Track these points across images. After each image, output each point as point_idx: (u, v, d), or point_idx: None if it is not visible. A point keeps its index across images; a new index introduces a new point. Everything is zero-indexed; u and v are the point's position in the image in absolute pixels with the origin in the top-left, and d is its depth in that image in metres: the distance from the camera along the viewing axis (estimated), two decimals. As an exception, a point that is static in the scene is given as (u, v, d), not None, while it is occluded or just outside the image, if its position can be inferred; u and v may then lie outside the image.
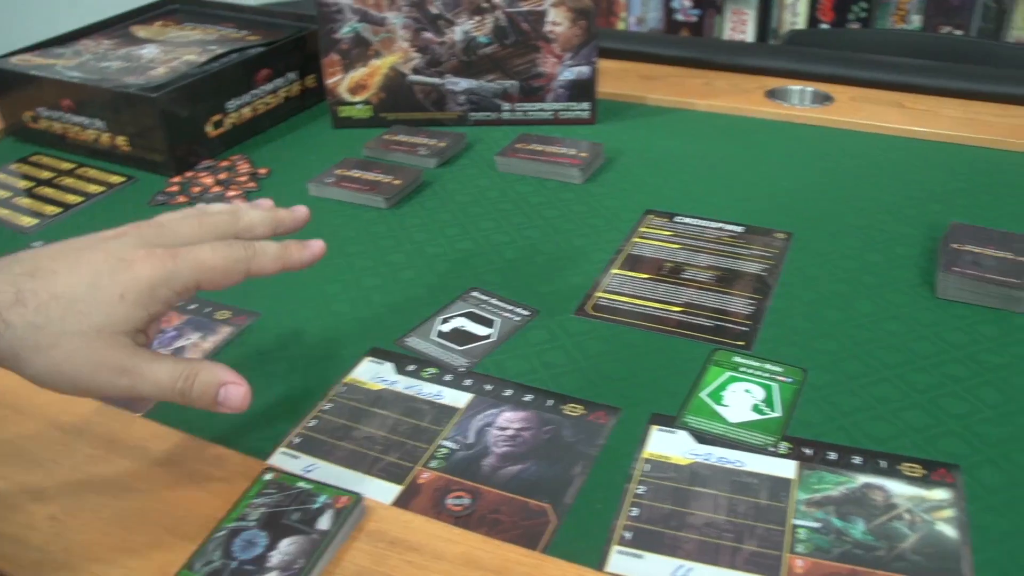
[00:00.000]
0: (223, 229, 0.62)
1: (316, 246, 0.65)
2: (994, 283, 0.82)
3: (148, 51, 1.25)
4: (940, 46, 1.89)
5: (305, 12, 1.36)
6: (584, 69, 1.20)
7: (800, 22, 2.76)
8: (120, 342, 0.56)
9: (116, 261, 0.56)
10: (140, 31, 1.36)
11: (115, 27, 1.38)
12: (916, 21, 2.66)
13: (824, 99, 1.31)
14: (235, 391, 0.59)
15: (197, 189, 1.09)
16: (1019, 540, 0.59)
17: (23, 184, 1.13)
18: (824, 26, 2.71)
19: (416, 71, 1.21)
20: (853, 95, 1.31)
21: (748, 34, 2.85)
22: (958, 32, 2.59)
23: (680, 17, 2.92)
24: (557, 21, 1.16)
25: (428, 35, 1.18)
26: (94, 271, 0.56)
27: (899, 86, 1.36)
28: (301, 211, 0.67)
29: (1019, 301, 0.81)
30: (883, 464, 0.65)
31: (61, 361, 0.54)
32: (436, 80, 1.21)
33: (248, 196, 1.07)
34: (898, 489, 0.63)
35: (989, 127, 1.20)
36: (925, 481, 0.63)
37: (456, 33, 1.17)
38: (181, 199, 1.07)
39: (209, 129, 1.16)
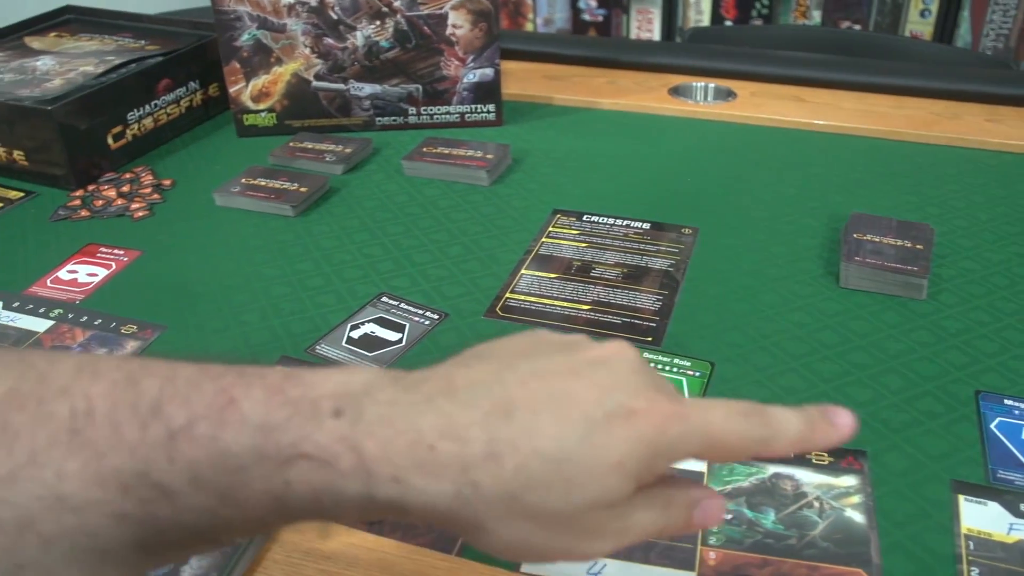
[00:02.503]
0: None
1: (845, 425, 0.43)
2: (894, 271, 0.84)
3: (43, 63, 1.22)
4: (839, 40, 1.94)
5: (203, 20, 1.34)
6: (488, 71, 1.20)
7: (704, 19, 2.80)
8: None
9: (614, 406, 0.39)
10: (34, 42, 1.32)
11: (7, 39, 1.34)
12: (816, 17, 2.72)
13: (727, 95, 1.33)
14: (713, 505, 0.44)
15: (99, 202, 1.06)
16: (922, 522, 0.60)
17: (-86, 203, 1.09)
18: (728, 23, 2.75)
19: (319, 77, 1.19)
20: (754, 90, 1.34)
21: (654, 32, 2.88)
22: (856, 26, 2.66)
23: (587, 17, 2.95)
24: (458, 24, 1.16)
25: (329, 41, 1.17)
26: (586, 418, 0.38)
27: (799, 80, 1.39)
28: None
29: (919, 288, 0.84)
30: (792, 454, 0.66)
31: (531, 536, 0.38)
32: (340, 86, 1.20)
33: (152, 208, 1.05)
34: (807, 478, 0.64)
35: (886, 118, 1.23)
36: (833, 469, 0.64)
37: (357, 38, 1.17)
38: (83, 213, 1.04)
39: (110, 141, 1.14)
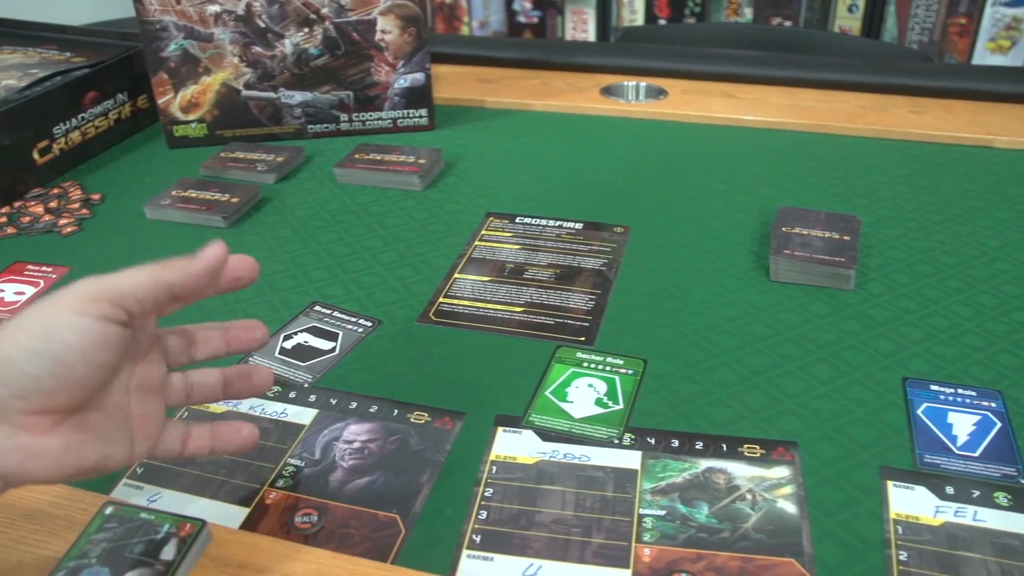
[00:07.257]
0: None
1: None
2: (822, 263, 0.85)
3: (-36, 78, 1.20)
4: (770, 37, 1.96)
5: (130, 31, 1.32)
6: (418, 76, 1.20)
7: (639, 19, 2.82)
8: None
9: None
10: (-46, 57, 1.29)
11: (-73, 54, 1.31)
12: (748, 14, 2.75)
13: (658, 93, 1.34)
14: None
15: (27, 219, 1.04)
16: (853, 509, 0.61)
17: None
18: (661, 22, 2.77)
19: (249, 86, 1.18)
20: (685, 88, 1.35)
21: (589, 33, 2.90)
22: (787, 23, 2.69)
23: (522, 19, 2.95)
24: (387, 29, 1.16)
25: (257, 49, 1.16)
26: None
27: (729, 77, 1.40)
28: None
29: (846, 279, 0.85)
30: (724, 447, 0.66)
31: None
32: (270, 94, 1.19)
33: (81, 223, 1.03)
34: (739, 471, 0.64)
35: (812, 112, 1.25)
36: (765, 460, 0.65)
37: (286, 46, 1.16)
38: (10, 231, 1.02)
39: (36, 156, 1.12)
